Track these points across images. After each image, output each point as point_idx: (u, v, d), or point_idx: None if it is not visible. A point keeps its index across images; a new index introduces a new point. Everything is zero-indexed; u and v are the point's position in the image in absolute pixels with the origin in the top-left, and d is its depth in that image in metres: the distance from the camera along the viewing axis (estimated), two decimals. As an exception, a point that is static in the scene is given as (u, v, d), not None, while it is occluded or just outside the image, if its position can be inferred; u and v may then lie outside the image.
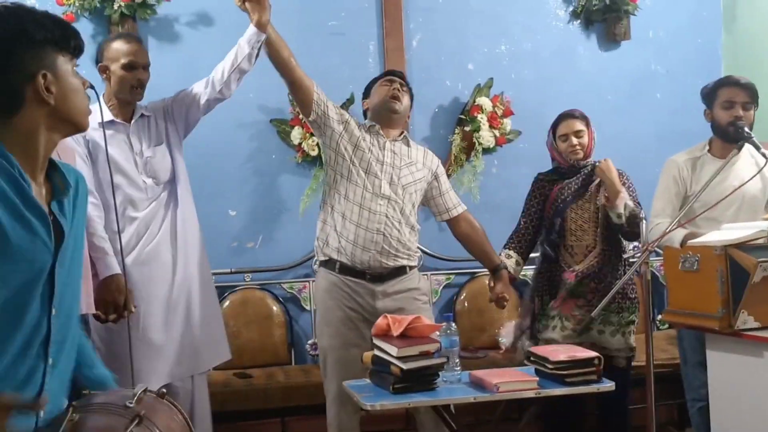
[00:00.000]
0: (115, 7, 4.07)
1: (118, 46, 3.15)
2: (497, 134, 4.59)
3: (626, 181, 3.60)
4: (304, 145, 4.36)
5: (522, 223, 3.69)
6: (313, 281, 4.32)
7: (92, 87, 1.73)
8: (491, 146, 4.58)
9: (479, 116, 4.55)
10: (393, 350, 2.76)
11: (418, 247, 3.51)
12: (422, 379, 2.77)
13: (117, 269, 3.01)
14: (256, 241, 4.39)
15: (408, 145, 3.45)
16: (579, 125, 3.58)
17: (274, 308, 4.30)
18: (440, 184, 3.50)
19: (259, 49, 3.19)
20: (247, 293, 4.30)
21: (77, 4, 4.07)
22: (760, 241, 2.84)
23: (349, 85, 4.43)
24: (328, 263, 3.32)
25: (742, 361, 2.76)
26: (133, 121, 3.20)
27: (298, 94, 3.33)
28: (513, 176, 4.54)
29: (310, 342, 4.33)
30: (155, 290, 3.15)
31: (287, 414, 3.88)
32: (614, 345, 3.49)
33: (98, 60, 3.19)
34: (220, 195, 4.23)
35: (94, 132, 2.96)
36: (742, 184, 3.13)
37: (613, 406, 3.51)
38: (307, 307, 4.36)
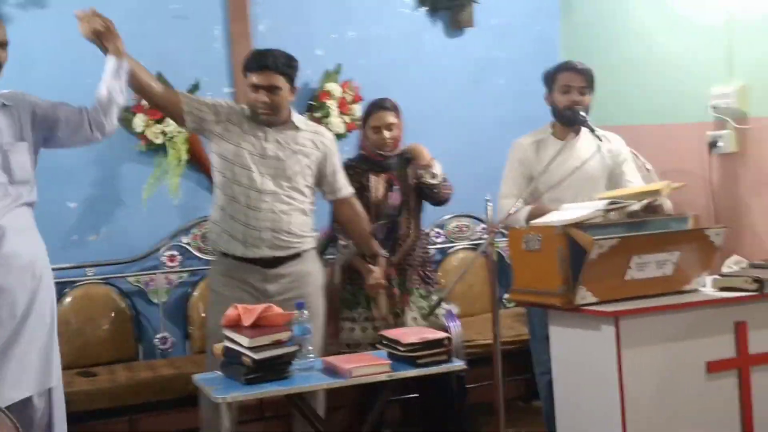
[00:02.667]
0: (-65, -15, 3.76)
1: None
2: (347, 120, 4.59)
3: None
4: (148, 133, 4.20)
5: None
6: (161, 273, 4.23)
7: None
8: (341, 132, 4.57)
9: (329, 102, 4.54)
10: (244, 340, 2.71)
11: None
12: (275, 369, 2.74)
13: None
14: (98, 233, 4.20)
15: (296, 129, 3.38)
16: (391, 118, 3.63)
17: (120, 303, 4.13)
18: (328, 165, 3.46)
19: (127, 77, 3.08)
20: (90, 288, 4.11)
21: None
22: (597, 220, 2.97)
23: (194, 71, 4.32)
24: (222, 254, 3.35)
25: (582, 334, 2.89)
26: None
27: (166, 111, 3.35)
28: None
29: (158, 336, 4.20)
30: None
31: (135, 412, 3.74)
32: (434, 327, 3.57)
33: None
34: (57, 185, 4.00)
35: None
36: (581, 164, 3.27)
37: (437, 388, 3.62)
38: (155, 301, 4.22)
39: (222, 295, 3.29)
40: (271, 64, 3.29)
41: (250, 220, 3.27)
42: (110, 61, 3.06)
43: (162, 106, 3.37)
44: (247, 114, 3.36)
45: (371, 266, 3.50)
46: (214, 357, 3.10)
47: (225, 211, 3.31)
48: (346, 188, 3.52)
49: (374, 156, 3.65)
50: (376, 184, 3.65)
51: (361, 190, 3.64)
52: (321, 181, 3.48)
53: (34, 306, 2.91)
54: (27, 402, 2.88)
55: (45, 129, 3.04)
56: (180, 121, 3.34)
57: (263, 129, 3.33)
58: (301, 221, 3.35)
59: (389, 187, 3.64)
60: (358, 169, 3.68)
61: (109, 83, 3.05)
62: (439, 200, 3.71)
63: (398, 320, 3.58)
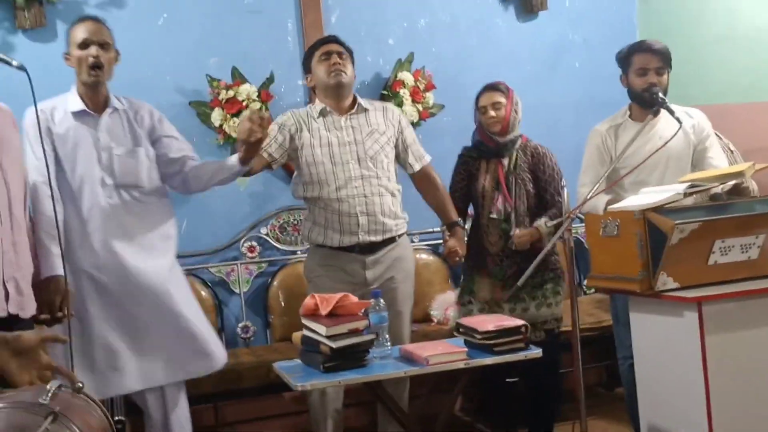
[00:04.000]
0: (20, -10, 3.90)
1: (75, 28, 3.05)
2: (420, 108, 4.59)
3: (548, 161, 3.65)
4: (225, 127, 4.28)
5: (452, 198, 3.70)
6: (242, 264, 4.31)
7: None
8: (415, 120, 4.57)
9: (401, 91, 4.54)
10: (322, 329, 2.75)
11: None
12: (352, 357, 2.78)
13: (60, 271, 2.84)
14: (181, 225, 4.30)
15: (365, 111, 3.44)
16: (498, 97, 3.59)
17: (203, 293, 4.23)
18: (405, 138, 3.51)
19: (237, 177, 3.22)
20: (174, 279, 4.21)
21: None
22: (678, 203, 2.91)
23: (268, 64, 4.38)
24: (317, 246, 3.41)
25: (663, 321, 2.83)
26: (104, 114, 3.07)
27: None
28: (437, 149, 4.50)
29: (240, 325, 4.29)
30: (113, 293, 3.03)
31: (219, 399, 3.83)
32: (539, 318, 3.54)
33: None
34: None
35: (60, 119, 2.98)
36: (663, 145, 3.18)
37: (543, 373, 3.56)
38: (237, 291, 4.31)
39: (321, 285, 3.33)
40: (333, 38, 3.47)
41: (344, 207, 3.31)
42: (235, 161, 3.09)
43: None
44: (314, 111, 3.42)
45: (447, 235, 3.52)
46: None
47: (317, 209, 3.37)
48: (423, 158, 3.56)
49: (486, 139, 3.62)
50: (485, 172, 3.63)
51: (471, 178, 3.65)
52: (399, 156, 3.52)
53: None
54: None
55: (163, 149, 3.19)
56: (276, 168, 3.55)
57: (333, 119, 3.38)
58: (391, 202, 3.40)
59: (497, 185, 3.59)
60: (468, 157, 3.68)
61: (222, 172, 3.14)
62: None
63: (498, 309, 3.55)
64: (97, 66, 3.01)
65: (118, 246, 3.04)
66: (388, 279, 3.37)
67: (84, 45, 3.00)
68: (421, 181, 3.57)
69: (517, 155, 3.62)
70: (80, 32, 3.02)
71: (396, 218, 3.41)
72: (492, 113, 3.57)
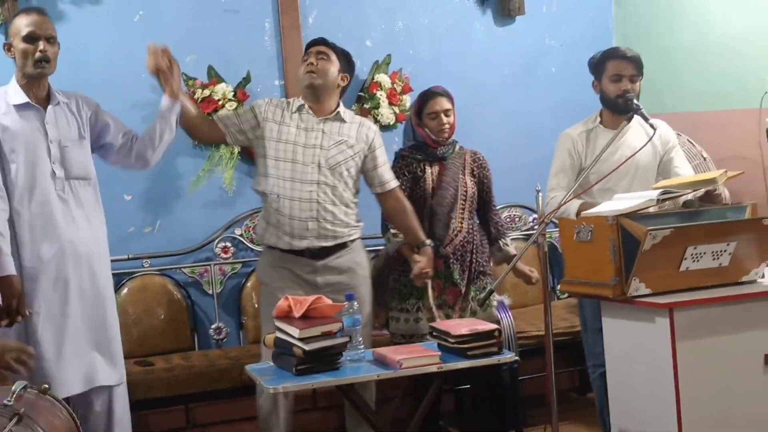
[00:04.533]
0: (-7, -17, 3.85)
1: (19, 20, 3.01)
2: (397, 111, 4.58)
3: (487, 166, 3.74)
4: (201, 127, 4.25)
5: None
6: (215, 264, 4.29)
7: None
8: (391, 123, 4.57)
9: (378, 93, 4.54)
10: (295, 332, 2.74)
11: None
12: (325, 359, 2.76)
13: (12, 270, 2.83)
14: (154, 225, 4.27)
15: (341, 121, 3.42)
16: (447, 104, 3.62)
17: (176, 294, 4.20)
18: (375, 158, 3.48)
19: (178, 117, 3.24)
20: (147, 279, 4.18)
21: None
22: (650, 209, 2.93)
23: (245, 63, 4.36)
24: (269, 247, 3.40)
25: (635, 326, 2.85)
26: (49, 107, 3.05)
27: (211, 140, 3.68)
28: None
29: (213, 327, 4.26)
30: (57, 291, 3.00)
31: (190, 401, 3.80)
32: (486, 319, 3.53)
33: (5, 40, 3.07)
34: (113, 179, 4.08)
35: (3, 112, 2.94)
36: (633, 154, 3.21)
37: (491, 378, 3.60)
38: (210, 292, 4.28)
39: (272, 287, 3.34)
40: (321, 40, 3.46)
41: (295, 211, 3.30)
42: (165, 101, 3.19)
43: (206, 139, 3.68)
44: (293, 105, 3.41)
45: (417, 256, 3.49)
46: (266, 347, 3.15)
47: (271, 206, 3.35)
48: (392, 181, 3.52)
49: (431, 144, 3.63)
50: (431, 175, 3.64)
51: (416, 180, 3.63)
52: (366, 174, 3.49)
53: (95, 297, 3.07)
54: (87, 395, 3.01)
55: (97, 136, 3.20)
56: (225, 142, 3.55)
57: (308, 118, 3.37)
58: (344, 213, 3.37)
59: (441, 179, 3.63)
60: (411, 158, 3.67)
61: (160, 121, 3.21)
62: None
63: (448, 311, 3.57)
64: (44, 60, 2.99)
65: (74, 238, 3.03)
66: (341, 284, 3.33)
67: (30, 38, 2.97)
68: (388, 203, 3.53)
69: (458, 158, 3.67)
70: (26, 25, 2.98)
71: (347, 227, 3.39)
72: (444, 120, 3.59)
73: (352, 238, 3.41)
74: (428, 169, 3.65)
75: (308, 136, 3.35)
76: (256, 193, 3.50)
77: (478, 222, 3.76)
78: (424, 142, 3.66)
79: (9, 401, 1.45)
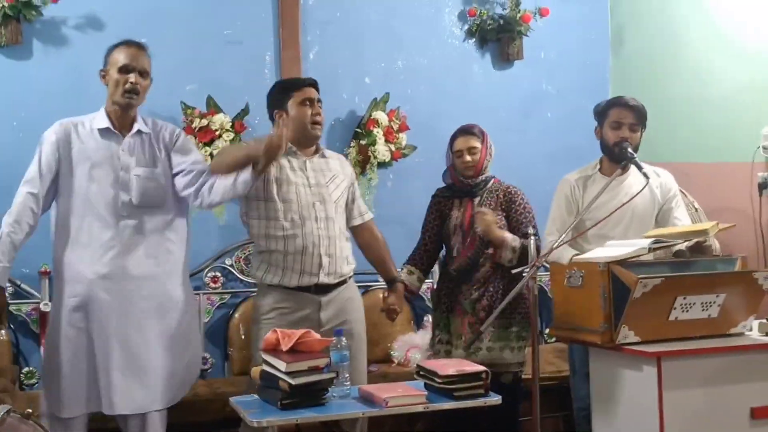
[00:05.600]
0: (-2, 7, 3.88)
1: (119, 50, 3.13)
2: (393, 148, 4.61)
3: (520, 200, 3.62)
4: (199, 154, 4.27)
5: (422, 239, 3.70)
6: (204, 294, 4.26)
7: None
8: (387, 160, 4.59)
9: (375, 130, 4.56)
10: (282, 365, 2.71)
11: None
12: (311, 395, 2.74)
13: (4, 283, 2.93)
14: (145, 252, 4.25)
15: (325, 157, 3.42)
16: (473, 141, 3.61)
17: (163, 322, 4.16)
18: (354, 190, 3.51)
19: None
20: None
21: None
22: (642, 258, 2.94)
23: (244, 95, 4.38)
24: (269, 286, 3.30)
25: (622, 374, 2.85)
26: (128, 135, 3.13)
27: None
28: (408, 190, 4.57)
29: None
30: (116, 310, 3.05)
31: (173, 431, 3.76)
32: (505, 360, 3.52)
33: (103, 66, 3.17)
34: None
35: (86, 135, 3.07)
36: (627, 201, 3.23)
37: (503, 421, 3.54)
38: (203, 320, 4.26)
39: (273, 326, 3.20)
40: (312, 82, 3.40)
41: (308, 247, 3.25)
42: (248, 175, 3.10)
43: None
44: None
45: (387, 292, 3.49)
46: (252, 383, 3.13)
47: (274, 251, 3.27)
48: (367, 213, 3.55)
49: (457, 182, 3.64)
50: (457, 212, 3.62)
51: (443, 218, 3.63)
52: (349, 207, 3.49)
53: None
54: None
55: (171, 163, 3.21)
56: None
57: (298, 159, 3.34)
58: (347, 246, 3.39)
59: (469, 216, 3.58)
60: (441, 197, 3.68)
61: (232, 187, 3.14)
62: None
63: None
64: (134, 91, 3.10)
65: (127, 264, 3.07)
66: (341, 321, 3.29)
67: (124, 70, 3.09)
68: (363, 235, 3.53)
69: (489, 195, 3.62)
70: (122, 56, 3.11)
71: (349, 263, 3.40)
72: (468, 158, 3.58)
73: (350, 274, 3.40)
74: (456, 207, 3.63)
75: (304, 176, 3.33)
76: (252, 237, 3.39)
77: None
78: (452, 181, 3.67)
79: (-8, 424, 1.44)
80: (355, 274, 3.58)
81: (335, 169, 3.41)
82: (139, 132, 3.16)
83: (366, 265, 3.73)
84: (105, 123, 3.12)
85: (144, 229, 3.12)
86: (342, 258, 3.33)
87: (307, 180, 3.32)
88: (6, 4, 3.88)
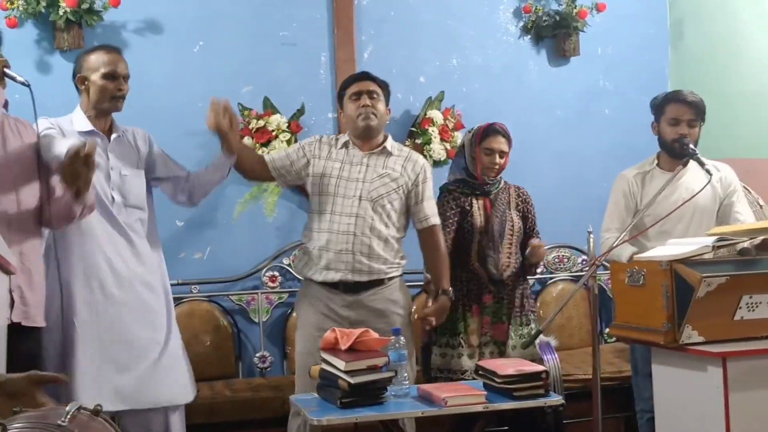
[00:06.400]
0: (61, 12, 3.96)
1: (98, 56, 3.11)
2: (448, 147, 4.59)
3: (532, 201, 3.69)
4: (252, 156, 4.31)
5: (447, 236, 3.60)
6: (262, 293, 4.31)
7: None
8: (442, 159, 4.58)
9: (430, 129, 4.55)
10: (341, 364, 2.73)
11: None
12: (370, 393, 2.75)
13: None
14: (204, 252, 4.32)
15: (387, 154, 3.42)
16: (504, 145, 3.59)
17: (222, 320, 4.23)
18: (418, 193, 3.43)
19: (230, 168, 3.31)
20: (194, 305, 4.22)
21: (21, 9, 3.97)
22: (705, 256, 2.88)
23: (300, 95, 4.42)
24: (306, 279, 3.41)
25: (686, 374, 2.79)
26: (113, 137, 3.15)
27: (262, 179, 3.61)
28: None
29: (258, 355, 4.27)
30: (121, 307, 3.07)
31: (233, 428, 3.80)
32: (528, 358, 3.46)
33: (76, 72, 3.13)
34: (166, 204, 4.15)
35: (70, 133, 3.01)
36: (691, 198, 3.17)
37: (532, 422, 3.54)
38: (256, 320, 4.30)
39: (305, 320, 3.35)
40: (367, 75, 3.46)
41: (331, 243, 3.29)
42: (222, 156, 3.24)
43: (257, 179, 3.68)
44: (339, 142, 3.41)
45: (431, 300, 3.44)
46: (303, 379, 3.16)
47: (311, 237, 3.36)
48: (433, 217, 3.46)
49: (480, 180, 3.62)
50: (478, 209, 3.62)
51: (463, 214, 3.60)
52: (409, 209, 3.45)
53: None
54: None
55: (149, 168, 3.26)
56: (272, 180, 3.59)
57: (353, 153, 3.37)
58: (382, 247, 3.33)
59: (489, 214, 3.61)
60: (459, 192, 3.64)
61: (212, 172, 3.28)
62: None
63: (493, 348, 3.53)
64: (122, 97, 3.12)
65: (122, 261, 3.09)
66: (377, 320, 3.27)
67: (111, 76, 3.09)
68: (425, 240, 3.48)
69: (502, 194, 3.64)
70: (106, 63, 3.09)
71: (385, 263, 3.34)
72: (498, 159, 3.57)
73: (390, 275, 3.36)
74: (475, 204, 3.63)
75: (352, 170, 3.35)
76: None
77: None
78: (473, 174, 3.63)
79: (63, 422, 1.46)
80: (410, 272, 3.57)
81: (392, 167, 3.39)
82: (121, 134, 3.18)
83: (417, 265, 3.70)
84: (88, 126, 3.10)
85: (135, 230, 3.15)
86: (369, 257, 3.30)
87: (352, 175, 3.34)
88: (68, 9, 3.96)
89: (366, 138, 3.39)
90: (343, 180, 3.34)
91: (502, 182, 3.70)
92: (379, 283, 3.34)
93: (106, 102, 3.09)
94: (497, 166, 3.58)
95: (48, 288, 2.85)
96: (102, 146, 3.10)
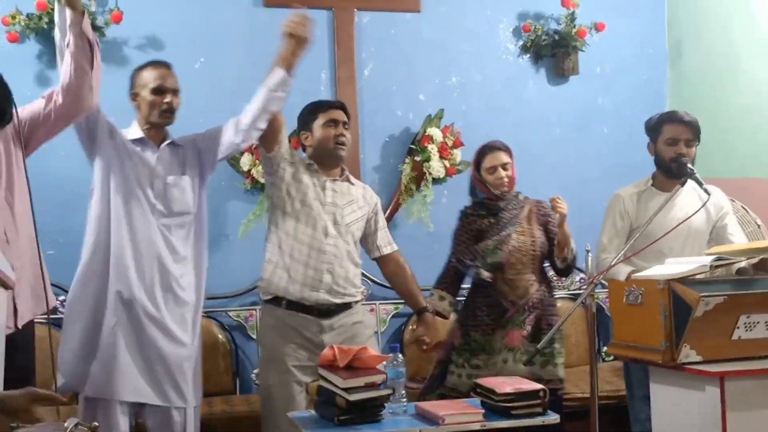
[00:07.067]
0: (63, 28, 3.98)
1: (148, 72, 3.15)
2: (447, 164, 4.61)
3: (548, 210, 3.61)
4: (254, 172, 4.33)
5: (451, 261, 3.64)
6: (260, 309, 4.30)
7: None
8: (441, 176, 4.60)
9: (430, 146, 4.57)
10: (338, 381, 2.73)
11: (366, 278, 3.48)
12: (368, 411, 2.74)
13: None
14: (203, 267, 4.31)
15: (349, 182, 3.43)
16: (505, 157, 3.59)
17: (220, 336, 4.23)
18: (377, 222, 3.50)
19: (288, 92, 3.26)
20: (192, 321, 4.21)
21: (23, 24, 3.99)
22: (703, 275, 2.89)
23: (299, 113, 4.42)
24: (274, 300, 3.30)
25: (684, 394, 2.79)
26: (163, 145, 3.17)
27: (271, 127, 3.31)
28: (461, 206, 4.54)
29: (255, 371, 4.27)
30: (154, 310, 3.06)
31: (230, 445, 3.80)
32: (544, 377, 3.45)
33: (130, 89, 3.18)
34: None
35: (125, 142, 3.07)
36: (687, 218, 3.19)
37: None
38: (254, 336, 4.30)
39: (275, 352, 3.27)
40: (343, 105, 3.45)
41: (311, 260, 3.26)
42: (279, 73, 3.23)
43: (273, 128, 3.35)
44: (306, 162, 3.39)
45: (417, 323, 3.46)
46: (275, 407, 3.17)
47: (284, 250, 3.29)
48: (391, 245, 3.52)
49: (494, 198, 3.62)
50: (497, 234, 3.58)
51: (479, 235, 3.59)
52: (367, 238, 3.48)
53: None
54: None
55: (209, 153, 3.25)
56: (270, 144, 3.34)
57: (320, 177, 3.36)
58: (354, 271, 3.36)
59: (508, 234, 3.56)
60: (476, 216, 3.63)
61: (273, 92, 3.23)
62: (559, 275, 3.68)
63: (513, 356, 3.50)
64: (170, 111, 3.15)
65: (162, 266, 3.07)
66: (348, 343, 3.19)
67: (159, 91, 3.12)
68: (388, 266, 3.51)
69: (520, 210, 3.60)
70: (154, 78, 3.13)
71: (355, 287, 3.37)
72: (502, 173, 3.57)
73: (356, 299, 3.37)
74: (493, 227, 3.59)
75: (322, 194, 3.33)
76: (268, 225, 3.40)
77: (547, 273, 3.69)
78: (486, 197, 3.64)
79: (61, 437, 1.47)
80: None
81: (355, 195, 3.42)
82: (173, 143, 3.19)
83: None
84: (139, 134, 3.14)
85: (178, 238, 3.13)
86: (346, 279, 3.30)
87: (323, 199, 3.33)
88: (70, 26, 3.98)
89: (333, 165, 3.39)
90: (317, 201, 3.31)
91: (520, 197, 3.65)
92: (348, 306, 3.33)
93: (155, 116, 3.13)
94: (505, 179, 3.58)
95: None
96: (150, 153, 3.14)
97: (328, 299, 3.26)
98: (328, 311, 3.28)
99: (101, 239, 3.04)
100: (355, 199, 3.40)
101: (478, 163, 3.63)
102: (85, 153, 3.11)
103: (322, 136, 3.35)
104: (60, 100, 2.81)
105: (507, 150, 3.62)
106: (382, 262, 3.52)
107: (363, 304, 3.51)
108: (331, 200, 3.33)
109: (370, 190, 3.54)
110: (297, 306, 3.26)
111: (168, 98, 3.13)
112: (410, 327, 3.53)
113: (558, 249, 3.53)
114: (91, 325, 3.02)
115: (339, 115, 3.38)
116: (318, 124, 3.37)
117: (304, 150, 3.45)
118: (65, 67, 2.80)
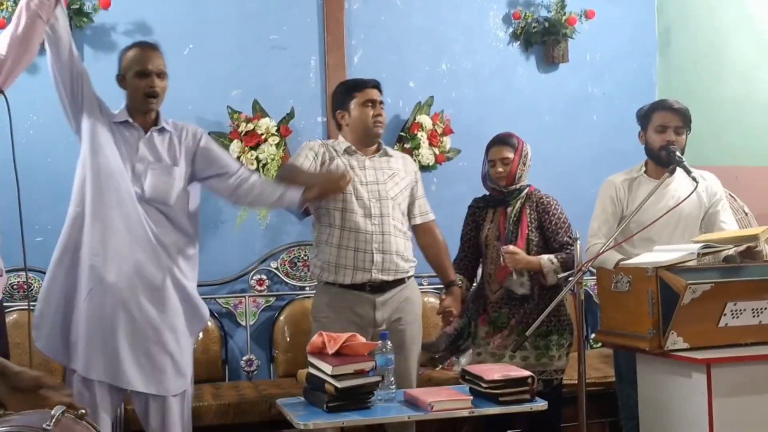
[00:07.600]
0: (50, 13, 3.95)
1: (132, 54, 3.07)
2: (437, 152, 4.61)
3: (554, 209, 3.58)
4: (243, 159, 4.31)
5: (462, 250, 3.69)
6: (249, 296, 4.31)
7: None
8: (431, 164, 4.60)
9: (419, 134, 4.57)
10: (328, 368, 2.74)
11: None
12: (357, 398, 2.76)
13: None
14: (192, 255, 4.30)
15: (388, 155, 3.45)
16: (506, 152, 3.57)
17: (209, 323, 4.21)
18: (417, 190, 3.51)
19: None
20: (181, 308, 4.20)
21: (10, 9, 3.96)
22: (691, 263, 2.90)
23: (289, 99, 4.42)
24: (327, 284, 3.34)
25: (671, 381, 2.81)
26: (151, 129, 3.08)
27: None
28: (452, 194, 4.57)
29: (244, 359, 4.27)
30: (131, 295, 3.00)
31: (219, 432, 3.81)
32: (538, 368, 3.43)
33: (118, 72, 3.11)
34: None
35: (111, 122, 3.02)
36: (676, 205, 3.19)
37: (544, 427, 3.52)
38: (243, 323, 4.30)
39: (328, 327, 3.22)
40: (379, 85, 3.44)
41: (360, 243, 3.28)
42: (295, 198, 3.19)
43: None
44: (339, 148, 3.40)
45: (444, 294, 3.49)
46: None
47: (331, 242, 3.31)
48: (429, 213, 3.54)
49: (491, 190, 3.63)
50: (489, 222, 3.60)
51: (477, 227, 3.63)
52: (410, 205, 3.50)
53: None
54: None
55: (198, 167, 3.16)
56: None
57: (358, 158, 3.38)
58: (404, 244, 3.38)
59: (499, 235, 3.56)
60: (476, 207, 3.68)
61: (276, 203, 3.24)
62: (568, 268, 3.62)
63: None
64: (153, 95, 3.05)
65: (136, 254, 3.00)
66: (395, 320, 3.33)
67: (142, 74, 3.04)
68: (424, 235, 3.53)
69: (521, 204, 3.59)
70: (138, 61, 3.05)
71: (407, 261, 3.39)
72: (500, 168, 3.56)
73: (409, 273, 3.40)
74: (489, 216, 3.62)
75: (362, 174, 3.36)
76: (314, 229, 3.44)
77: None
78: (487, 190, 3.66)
79: (48, 425, 1.47)
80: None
81: (396, 167, 3.44)
82: (162, 129, 3.11)
83: (423, 268, 3.71)
84: (125, 117, 3.06)
85: (158, 224, 3.05)
86: (397, 255, 3.33)
87: (365, 178, 3.35)
88: (58, 12, 3.95)
89: (371, 144, 3.42)
90: (358, 183, 3.32)
91: (525, 191, 3.61)
92: (401, 282, 3.36)
93: (139, 101, 3.04)
94: (502, 174, 3.57)
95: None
96: (136, 137, 3.06)
97: (380, 278, 3.30)
98: (381, 287, 3.31)
99: (80, 213, 2.96)
100: (396, 171, 3.42)
101: (486, 154, 3.64)
102: (67, 116, 3.02)
103: (360, 117, 3.37)
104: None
105: (510, 145, 3.59)
106: (417, 231, 3.52)
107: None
108: (373, 178, 3.36)
109: (409, 159, 3.58)
110: (350, 286, 3.30)
111: (152, 82, 3.03)
112: (440, 297, 3.54)
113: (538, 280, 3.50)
114: (69, 294, 2.97)
115: (375, 94, 3.40)
116: (355, 103, 3.38)
117: (339, 129, 3.46)
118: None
